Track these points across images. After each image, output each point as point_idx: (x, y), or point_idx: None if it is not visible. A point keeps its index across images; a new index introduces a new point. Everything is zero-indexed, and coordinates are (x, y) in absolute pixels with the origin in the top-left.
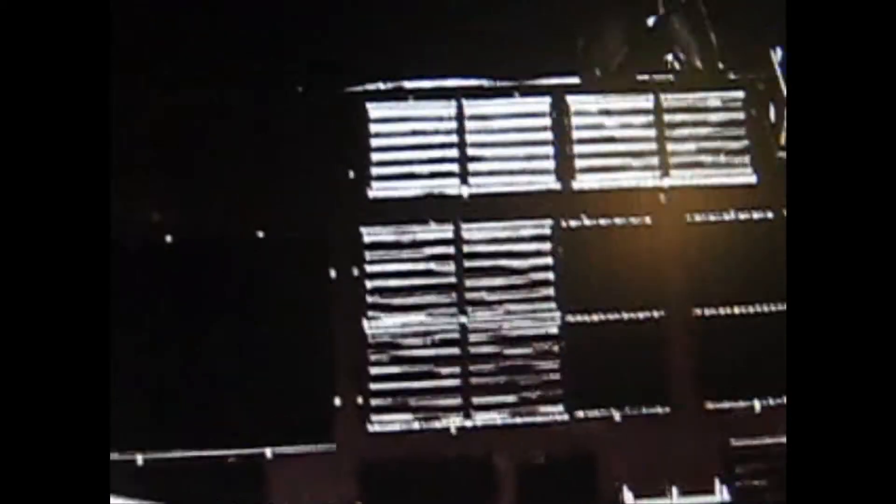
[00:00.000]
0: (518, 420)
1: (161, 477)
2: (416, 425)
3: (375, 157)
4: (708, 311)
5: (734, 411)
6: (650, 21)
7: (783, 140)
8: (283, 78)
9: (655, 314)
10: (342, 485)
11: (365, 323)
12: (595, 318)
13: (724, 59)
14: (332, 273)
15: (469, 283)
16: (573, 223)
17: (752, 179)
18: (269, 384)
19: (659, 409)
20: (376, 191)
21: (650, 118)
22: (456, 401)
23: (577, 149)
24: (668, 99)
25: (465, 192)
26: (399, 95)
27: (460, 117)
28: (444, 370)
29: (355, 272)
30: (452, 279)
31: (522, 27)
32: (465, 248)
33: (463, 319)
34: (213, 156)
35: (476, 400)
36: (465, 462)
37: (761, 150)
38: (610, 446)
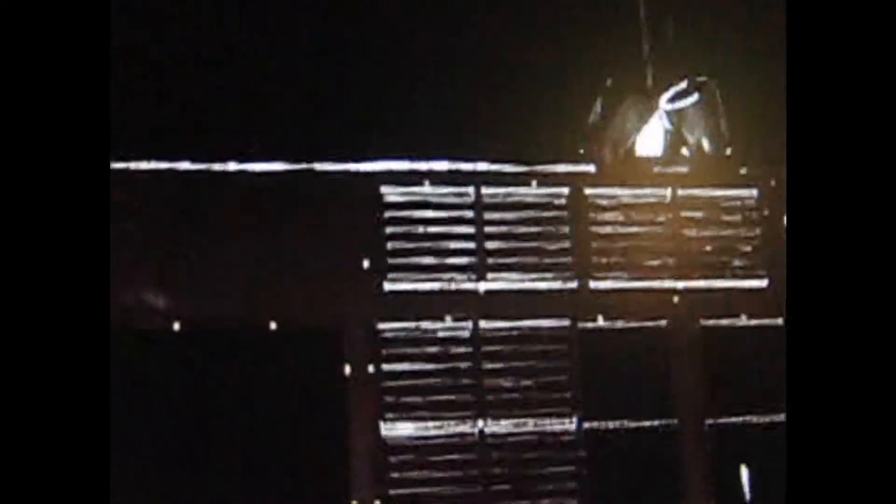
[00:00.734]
0: None
1: None
2: None
3: (391, 245)
4: (720, 421)
5: None
6: (665, 106)
7: None
8: (296, 159)
9: (669, 423)
10: None
11: (382, 425)
12: (611, 424)
13: (737, 152)
14: (347, 369)
15: (487, 382)
16: (590, 325)
17: (763, 284)
18: (280, 485)
19: None
20: (392, 283)
21: (667, 216)
22: None
23: (594, 245)
24: (682, 196)
25: (481, 287)
26: (414, 179)
27: (477, 205)
28: (463, 473)
29: (371, 369)
30: (470, 380)
31: (536, 110)
32: (483, 348)
33: (481, 423)
34: (224, 241)
35: None
36: None
37: (774, 253)
38: None
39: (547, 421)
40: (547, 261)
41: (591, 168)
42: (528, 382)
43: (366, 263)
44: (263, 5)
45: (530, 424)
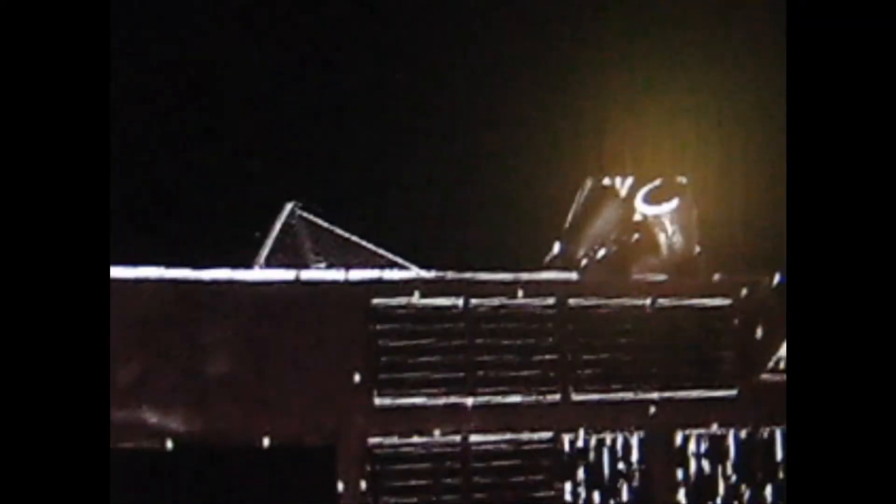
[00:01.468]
0: None
1: None
2: None
3: (383, 359)
4: None
5: None
6: (641, 208)
7: (772, 361)
8: (285, 269)
9: None
10: None
11: None
12: None
13: (709, 257)
14: (340, 486)
15: (477, 496)
16: (570, 436)
17: (733, 393)
18: None
19: None
20: (384, 398)
21: (644, 325)
22: None
23: (574, 357)
24: (660, 304)
25: (469, 402)
26: (405, 290)
27: (466, 317)
28: None
29: (363, 485)
30: (464, 496)
31: (518, 214)
32: (474, 464)
33: None
34: (215, 356)
35: None
36: None
37: (744, 364)
38: None
39: None
40: (533, 373)
41: (573, 275)
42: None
43: (357, 378)
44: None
45: None
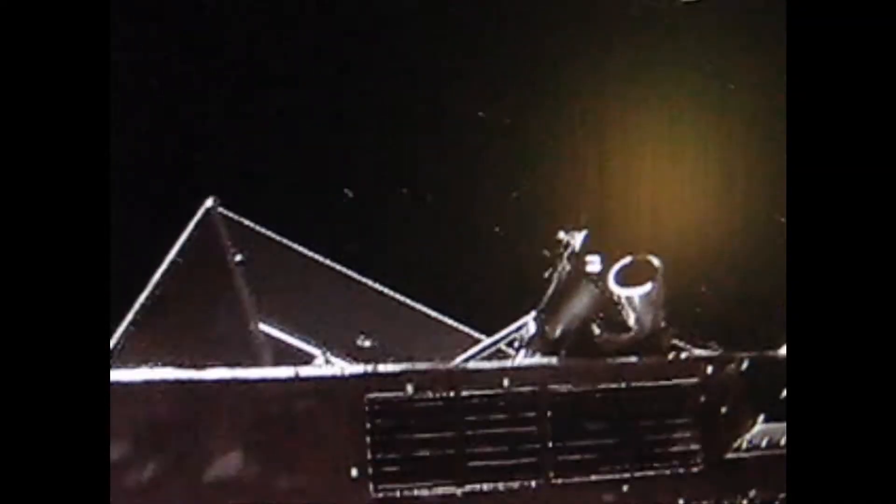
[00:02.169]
0: None
1: None
2: None
3: (379, 454)
4: None
5: None
6: (614, 288)
7: (737, 441)
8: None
9: None
10: None
11: None
12: None
13: (675, 335)
14: None
15: None
16: None
17: (699, 469)
18: None
19: None
20: (380, 492)
21: (617, 407)
22: None
23: (555, 442)
24: (633, 385)
25: (459, 492)
26: (398, 383)
27: (456, 408)
28: None
29: None
30: None
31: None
32: None
33: None
34: (213, 456)
35: None
36: None
37: (710, 441)
38: None
39: None
40: (518, 461)
41: (554, 360)
42: None
43: (354, 472)
44: None
45: None
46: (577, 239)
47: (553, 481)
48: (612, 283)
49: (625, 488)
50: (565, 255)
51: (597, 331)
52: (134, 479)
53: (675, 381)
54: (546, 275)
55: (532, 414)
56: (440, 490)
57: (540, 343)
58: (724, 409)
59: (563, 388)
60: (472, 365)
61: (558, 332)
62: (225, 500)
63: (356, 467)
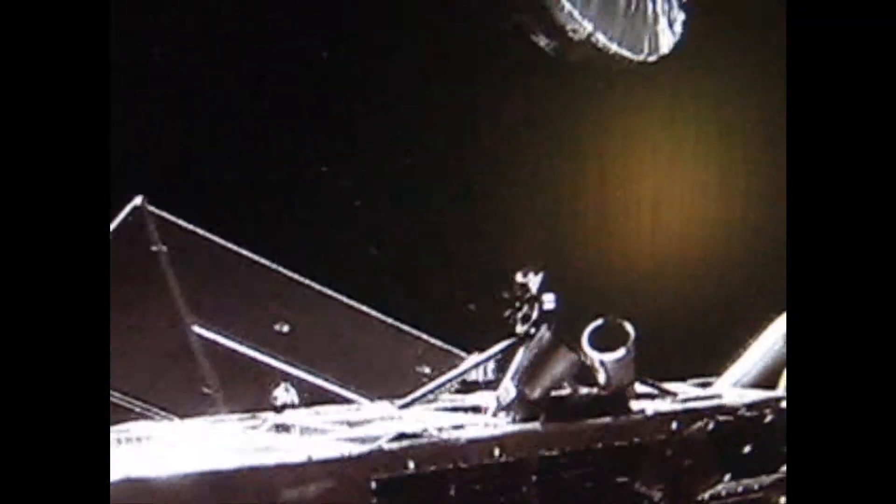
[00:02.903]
0: None
1: None
2: None
3: None
4: None
5: None
6: (589, 352)
7: (703, 494)
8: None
9: None
10: None
11: None
12: None
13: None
14: None
15: None
16: None
17: None
18: None
19: None
20: None
21: (594, 467)
22: None
23: None
24: (607, 445)
25: None
26: (399, 460)
27: (455, 481)
28: None
29: None
30: None
31: None
32: None
33: None
34: None
35: None
36: None
37: (675, 495)
38: None
39: None
40: None
41: (538, 426)
42: None
43: None
44: None
45: None
46: (533, 281)
47: None
48: (586, 346)
49: None
50: (524, 297)
51: (568, 389)
52: None
53: (645, 438)
54: (506, 314)
55: (520, 478)
56: None
57: (519, 407)
58: (687, 462)
59: (548, 452)
60: (465, 436)
61: (536, 394)
62: None
63: None
